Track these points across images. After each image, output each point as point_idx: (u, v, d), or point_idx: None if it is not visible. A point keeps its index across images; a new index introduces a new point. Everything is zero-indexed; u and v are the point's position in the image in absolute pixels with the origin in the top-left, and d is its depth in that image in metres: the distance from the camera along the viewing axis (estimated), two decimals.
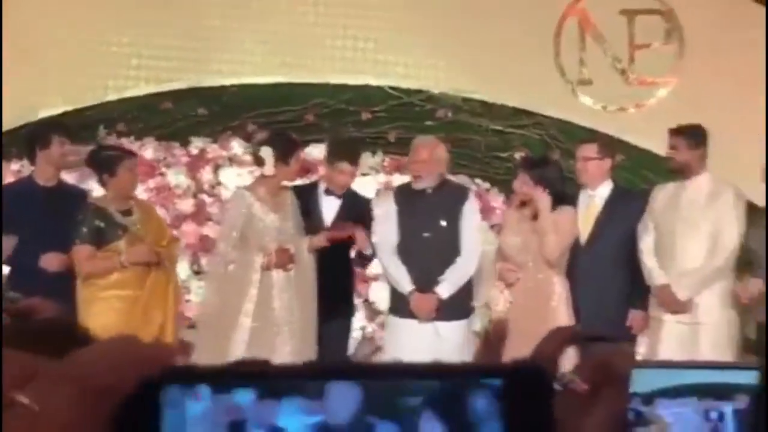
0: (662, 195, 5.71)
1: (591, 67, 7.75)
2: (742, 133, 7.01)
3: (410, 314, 5.67)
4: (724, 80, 7.43)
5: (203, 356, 5.44)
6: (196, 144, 7.81)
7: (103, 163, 5.56)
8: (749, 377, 1.35)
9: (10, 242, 5.51)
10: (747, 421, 1.33)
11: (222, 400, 0.95)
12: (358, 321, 6.91)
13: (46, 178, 5.87)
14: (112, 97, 7.89)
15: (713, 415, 1.36)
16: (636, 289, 5.63)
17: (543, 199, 5.54)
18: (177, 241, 6.16)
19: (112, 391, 0.94)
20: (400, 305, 5.74)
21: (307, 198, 5.88)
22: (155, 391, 0.94)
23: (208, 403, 0.94)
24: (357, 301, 6.73)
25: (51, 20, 7.71)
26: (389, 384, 0.96)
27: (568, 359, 1.45)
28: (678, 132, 5.68)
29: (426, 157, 5.80)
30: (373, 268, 6.62)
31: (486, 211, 7.13)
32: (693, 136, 5.66)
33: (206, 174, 7.69)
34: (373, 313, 7.21)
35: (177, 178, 7.62)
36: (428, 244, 5.70)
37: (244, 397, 0.95)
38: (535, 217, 5.60)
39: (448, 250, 5.71)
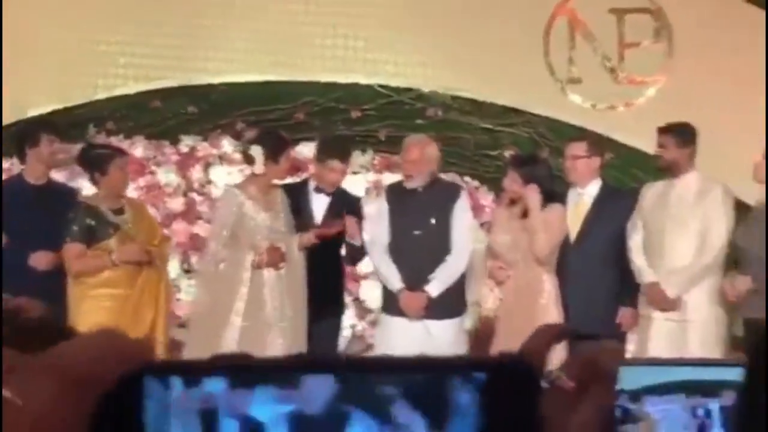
0: (651, 193, 5.72)
1: (580, 65, 7.76)
2: (730, 131, 7.02)
3: (401, 312, 5.67)
4: (713, 79, 7.44)
5: (194, 355, 5.39)
6: (186, 142, 7.80)
7: (95, 162, 5.55)
8: (736, 374, 1.35)
9: None
10: (733, 417, 1.34)
11: (194, 390, 0.96)
12: (349, 319, 6.91)
13: (35, 177, 5.85)
14: (101, 95, 7.87)
15: (700, 411, 1.37)
16: (625, 287, 5.64)
17: (533, 197, 5.54)
18: (168, 240, 6.16)
19: (93, 383, 0.96)
20: (391, 303, 5.74)
21: (297, 196, 5.87)
22: (135, 383, 0.95)
23: (179, 393, 0.96)
24: (347, 299, 6.73)
25: (40, 19, 7.70)
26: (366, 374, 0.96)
27: (556, 356, 1.45)
28: (667, 130, 5.70)
29: (417, 156, 5.81)
30: (364, 266, 6.63)
31: (476, 210, 7.12)
32: (682, 134, 5.67)
33: (196, 172, 7.68)
34: (363, 311, 7.21)
35: (167, 176, 7.61)
36: (419, 243, 5.70)
37: (216, 386, 0.96)
38: (524, 215, 5.60)
39: (439, 248, 5.71)
